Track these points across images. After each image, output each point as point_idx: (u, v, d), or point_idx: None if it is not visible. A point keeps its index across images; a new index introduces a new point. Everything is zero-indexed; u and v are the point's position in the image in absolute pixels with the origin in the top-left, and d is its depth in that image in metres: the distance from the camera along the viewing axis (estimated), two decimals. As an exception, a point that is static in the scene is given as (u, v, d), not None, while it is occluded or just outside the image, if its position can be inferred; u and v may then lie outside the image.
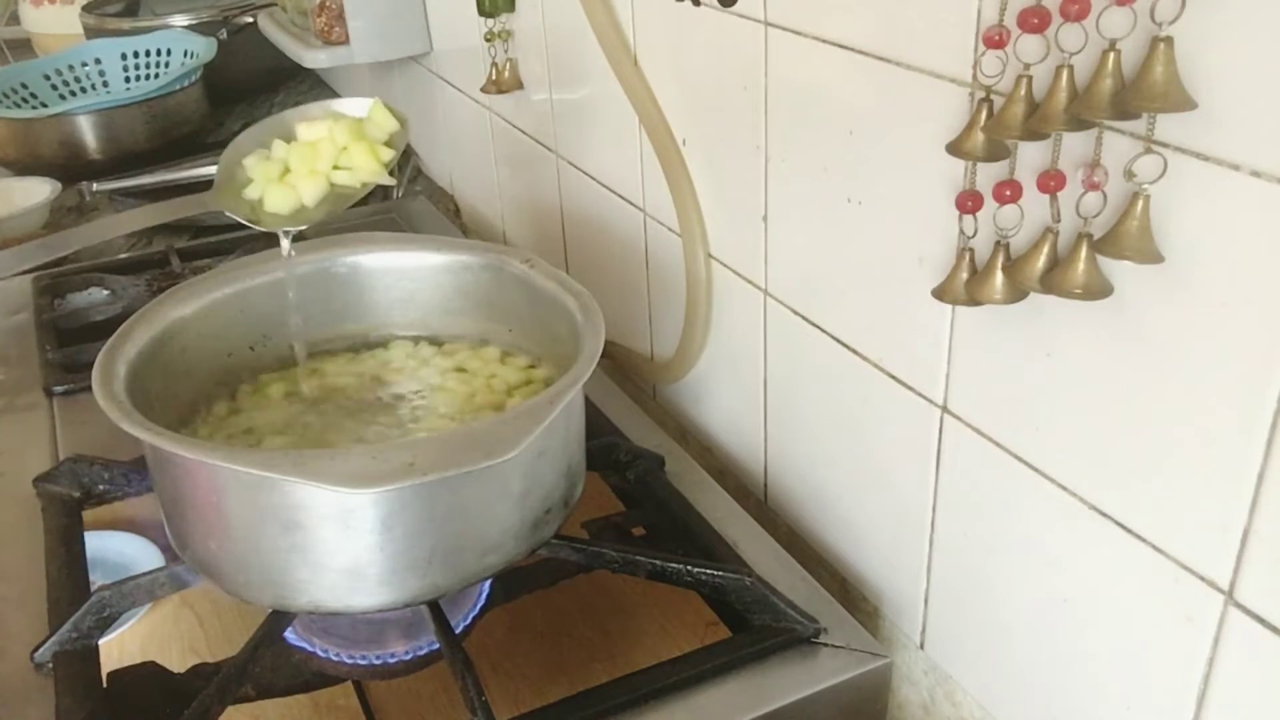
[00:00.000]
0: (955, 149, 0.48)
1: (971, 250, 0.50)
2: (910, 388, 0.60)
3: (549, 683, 0.62)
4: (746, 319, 0.74)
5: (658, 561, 0.63)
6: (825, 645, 0.61)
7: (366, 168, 0.67)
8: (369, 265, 0.73)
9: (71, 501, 0.73)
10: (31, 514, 0.74)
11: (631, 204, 0.86)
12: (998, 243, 0.49)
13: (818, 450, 0.71)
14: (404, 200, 1.29)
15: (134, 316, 0.63)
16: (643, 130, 0.79)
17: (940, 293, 0.52)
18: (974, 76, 0.49)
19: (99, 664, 0.61)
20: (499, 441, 0.51)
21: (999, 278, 0.49)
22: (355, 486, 0.49)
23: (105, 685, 0.61)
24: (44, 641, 0.61)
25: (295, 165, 0.67)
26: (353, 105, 0.72)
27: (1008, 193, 0.47)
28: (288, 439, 0.64)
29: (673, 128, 0.77)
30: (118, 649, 0.66)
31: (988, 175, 0.49)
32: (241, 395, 0.68)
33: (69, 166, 1.38)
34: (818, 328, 0.67)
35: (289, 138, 0.70)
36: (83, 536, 0.70)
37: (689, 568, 0.62)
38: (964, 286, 0.51)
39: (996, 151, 0.47)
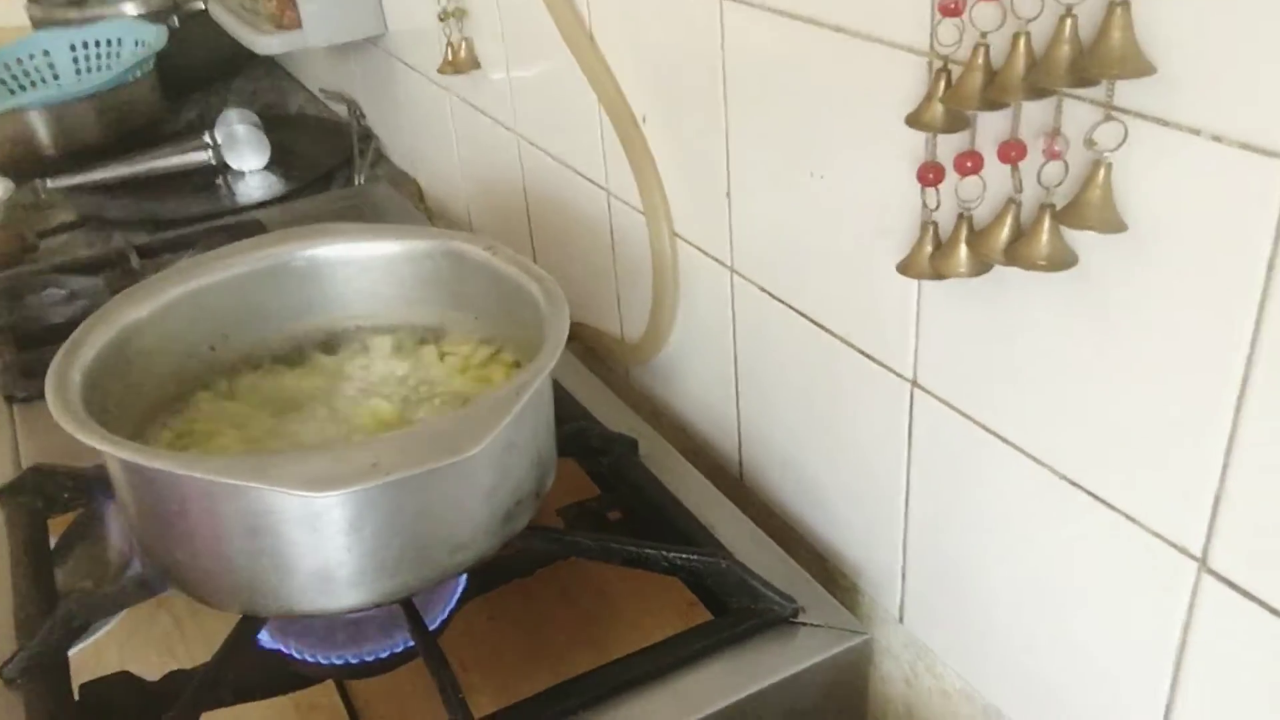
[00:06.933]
0: (914, 120, 0.47)
1: (934, 224, 0.50)
2: (879, 362, 0.60)
3: (530, 674, 0.62)
4: (714, 297, 0.74)
5: (633, 548, 0.62)
6: (804, 624, 0.60)
7: None
8: (327, 258, 0.71)
9: (36, 512, 0.72)
10: (-5, 525, 0.73)
11: (594, 183, 0.85)
12: (960, 215, 0.48)
13: (791, 428, 0.70)
14: (366, 185, 1.27)
15: (87, 321, 0.61)
16: (602, 108, 0.78)
17: (904, 267, 0.51)
18: (931, 46, 0.48)
19: (69, 677, 0.60)
20: (463, 438, 0.50)
21: (963, 251, 0.48)
22: (317, 490, 0.48)
23: (78, 698, 0.60)
24: (12, 657, 0.60)
25: None
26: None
27: (969, 164, 0.46)
28: (252, 441, 0.62)
29: (632, 104, 0.75)
30: (93, 656, 0.65)
31: (949, 146, 0.48)
32: (202, 398, 0.67)
33: (21, 163, 1.35)
34: (785, 304, 0.66)
35: None
36: (49, 547, 0.69)
37: (665, 553, 0.62)
38: (928, 261, 0.50)
39: (956, 122, 0.46)
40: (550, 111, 0.89)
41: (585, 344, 0.95)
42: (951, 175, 0.48)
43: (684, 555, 0.62)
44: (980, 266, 0.48)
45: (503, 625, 0.66)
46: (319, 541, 0.53)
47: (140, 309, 0.64)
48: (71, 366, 0.58)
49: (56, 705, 0.59)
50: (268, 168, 1.35)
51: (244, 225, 1.12)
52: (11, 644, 0.62)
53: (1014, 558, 0.55)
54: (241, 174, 1.35)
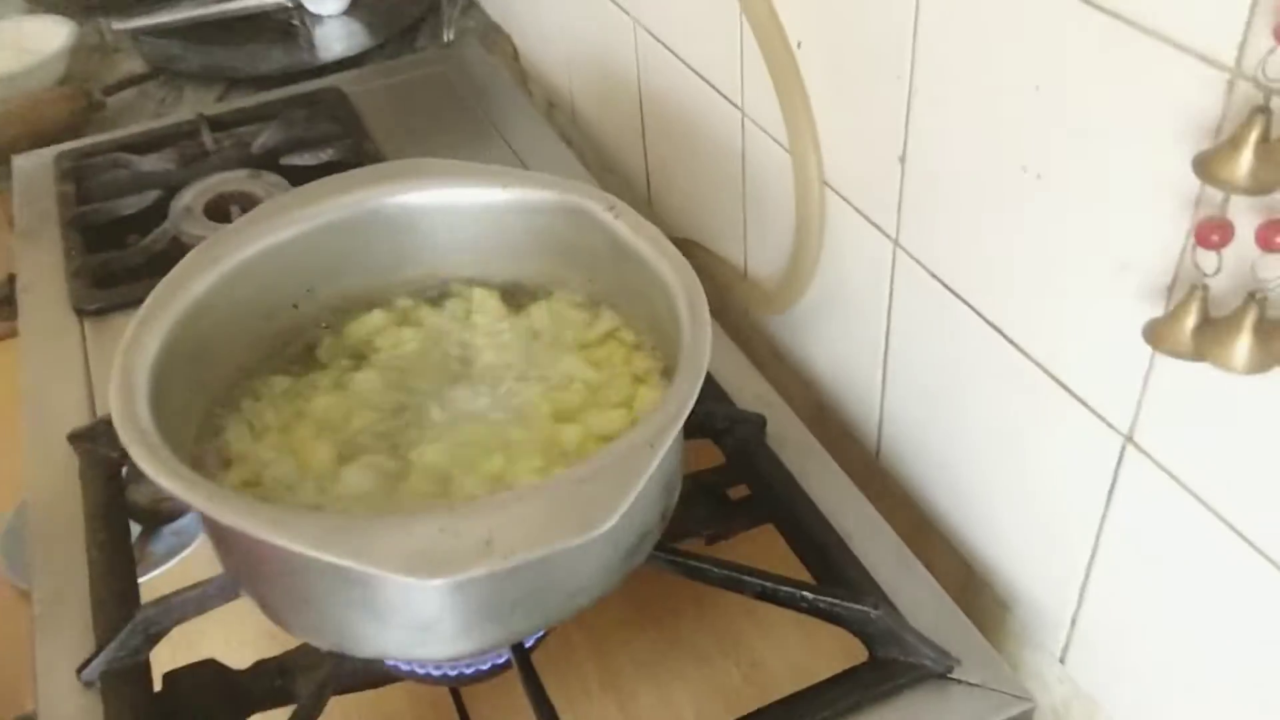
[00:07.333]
0: (1206, 171, 0.35)
1: (1206, 290, 0.39)
2: (1084, 402, 0.49)
3: (636, 694, 0.56)
4: (867, 264, 0.63)
5: (769, 584, 0.55)
6: (959, 682, 0.53)
7: None
8: (423, 205, 0.61)
9: (111, 464, 0.66)
10: (68, 470, 0.67)
11: (727, 99, 0.72)
12: (1251, 295, 0.37)
13: (950, 427, 0.61)
14: (455, 46, 1.14)
15: (149, 302, 0.53)
16: (745, 19, 0.65)
17: (1156, 337, 0.40)
18: (1239, 62, 0.36)
19: (150, 678, 0.56)
20: (593, 508, 0.42)
21: (1245, 341, 0.37)
22: (420, 575, 0.41)
23: (161, 687, 0.56)
24: (89, 660, 0.55)
25: None
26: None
27: (1277, 238, 0.35)
28: (355, 433, 0.54)
29: (785, 24, 0.62)
30: (178, 637, 0.60)
31: (1245, 202, 0.37)
32: (298, 371, 0.59)
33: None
34: (963, 301, 0.56)
35: None
36: (126, 516, 0.64)
37: (805, 594, 0.54)
38: (1190, 335, 0.39)
39: (1268, 184, 0.35)
40: (676, 2, 0.76)
41: (698, 264, 0.84)
42: (1242, 238, 0.37)
43: (828, 600, 0.54)
44: (1266, 365, 0.37)
45: (606, 635, 0.59)
46: (418, 601, 0.46)
47: (208, 278, 0.55)
48: (135, 366, 0.50)
49: (138, 706, 0.55)
50: (348, 13, 1.22)
51: (323, 94, 1.02)
52: (86, 622, 0.58)
53: (1233, 654, 0.46)
54: (320, 18, 1.22)
